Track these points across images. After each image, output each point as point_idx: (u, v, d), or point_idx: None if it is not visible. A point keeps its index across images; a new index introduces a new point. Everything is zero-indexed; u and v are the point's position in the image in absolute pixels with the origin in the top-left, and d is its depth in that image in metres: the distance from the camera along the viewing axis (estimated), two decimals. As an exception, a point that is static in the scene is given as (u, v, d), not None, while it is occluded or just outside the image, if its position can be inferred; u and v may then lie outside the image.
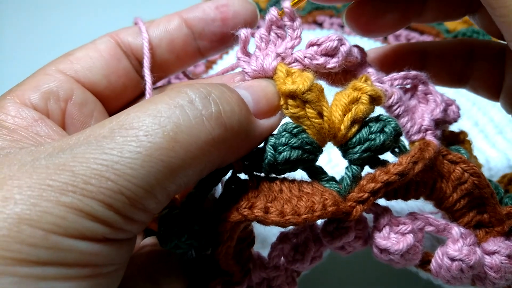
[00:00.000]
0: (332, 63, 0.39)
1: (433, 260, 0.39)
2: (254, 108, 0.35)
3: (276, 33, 0.41)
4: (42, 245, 0.26)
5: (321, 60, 0.39)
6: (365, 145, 0.37)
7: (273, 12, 0.40)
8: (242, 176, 0.40)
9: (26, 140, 0.34)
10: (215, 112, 0.31)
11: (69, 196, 0.26)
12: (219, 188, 0.41)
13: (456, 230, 0.38)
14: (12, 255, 0.25)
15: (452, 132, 0.46)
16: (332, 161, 0.66)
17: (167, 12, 0.43)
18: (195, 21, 0.43)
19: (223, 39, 0.43)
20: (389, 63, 0.45)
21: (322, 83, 0.41)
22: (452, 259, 0.37)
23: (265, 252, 0.42)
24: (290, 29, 0.40)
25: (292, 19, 0.40)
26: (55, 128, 0.37)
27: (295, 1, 0.40)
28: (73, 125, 0.39)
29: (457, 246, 0.38)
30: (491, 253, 0.39)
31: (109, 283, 0.30)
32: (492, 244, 0.39)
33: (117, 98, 0.43)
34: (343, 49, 0.39)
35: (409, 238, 0.38)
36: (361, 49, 0.43)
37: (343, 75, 0.42)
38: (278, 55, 0.39)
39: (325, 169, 0.40)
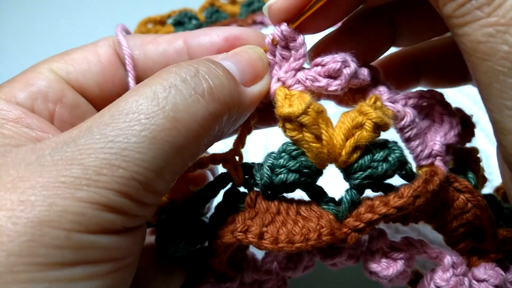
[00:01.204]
0: (334, 85, 0.37)
1: (420, 282, 0.41)
2: (240, 77, 0.36)
3: (281, 54, 0.38)
4: (66, 245, 0.26)
5: (323, 82, 0.37)
6: (367, 172, 0.36)
7: (269, 38, 0.38)
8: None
9: (18, 137, 0.33)
10: (207, 88, 0.32)
11: (84, 190, 0.26)
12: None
13: (448, 259, 0.39)
14: (39, 260, 0.25)
15: (463, 148, 0.44)
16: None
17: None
18: (198, 50, 0.39)
19: None
20: (386, 72, 0.42)
21: (330, 102, 0.39)
22: None
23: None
24: (293, 49, 0.38)
25: (294, 39, 0.37)
26: (45, 121, 0.36)
27: (295, 23, 0.37)
28: (64, 127, 0.37)
29: (446, 275, 0.38)
30: (480, 281, 0.40)
31: (128, 275, 0.31)
32: (483, 271, 0.40)
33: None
34: (346, 71, 0.36)
35: (400, 264, 0.39)
36: (373, 68, 0.39)
37: (352, 94, 0.39)
38: (278, 79, 0.38)
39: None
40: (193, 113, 0.30)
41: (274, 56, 0.38)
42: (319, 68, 0.37)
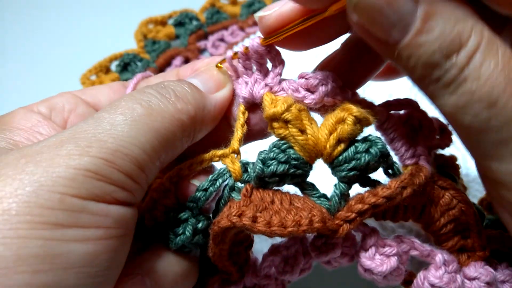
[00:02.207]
0: (309, 99, 0.41)
1: (414, 282, 0.41)
2: (204, 87, 0.42)
3: (258, 62, 0.43)
4: (59, 207, 0.28)
5: (301, 94, 0.41)
6: (351, 164, 0.39)
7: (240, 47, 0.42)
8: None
9: (27, 142, 0.38)
10: (173, 93, 0.38)
11: (76, 159, 0.30)
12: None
13: (439, 257, 0.40)
14: (35, 219, 0.27)
15: (442, 155, 0.47)
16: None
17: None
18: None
19: None
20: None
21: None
22: (432, 285, 0.39)
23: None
24: (271, 59, 0.43)
25: (268, 53, 0.42)
26: (57, 129, 0.41)
27: (267, 40, 0.41)
28: None
29: (438, 273, 0.39)
30: (471, 279, 0.40)
31: (120, 247, 0.33)
32: (473, 269, 0.41)
33: None
34: (321, 89, 0.41)
35: (393, 260, 0.39)
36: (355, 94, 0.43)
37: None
38: (266, 85, 0.42)
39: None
40: (165, 106, 0.37)
41: (248, 61, 0.43)
42: (302, 80, 0.41)
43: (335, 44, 0.45)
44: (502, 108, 0.30)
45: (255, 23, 1.00)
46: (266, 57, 0.43)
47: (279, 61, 0.43)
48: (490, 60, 0.30)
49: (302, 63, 0.55)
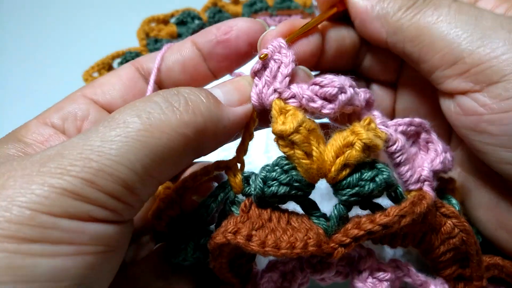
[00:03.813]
0: (328, 109, 0.39)
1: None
2: (225, 98, 0.40)
3: (274, 60, 0.41)
4: (28, 223, 0.29)
5: (318, 103, 0.39)
6: (354, 190, 0.38)
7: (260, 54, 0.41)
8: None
9: None
10: (183, 101, 0.36)
11: (55, 177, 0.30)
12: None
13: None
14: (2, 233, 0.28)
15: (442, 178, 0.45)
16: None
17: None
18: (202, 44, 0.45)
19: (229, 60, 0.45)
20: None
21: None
22: None
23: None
24: (284, 57, 0.41)
25: (283, 49, 0.41)
26: None
27: (289, 37, 0.41)
28: None
29: None
30: (464, 309, 0.40)
31: (98, 263, 0.32)
32: (468, 300, 0.41)
33: None
34: (341, 97, 0.39)
35: (385, 285, 0.40)
36: (369, 95, 0.42)
37: (348, 114, 0.42)
38: (275, 90, 0.40)
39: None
40: (167, 119, 0.34)
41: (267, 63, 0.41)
42: (316, 87, 0.39)
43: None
44: None
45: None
46: (276, 57, 0.41)
47: (288, 62, 0.40)
48: None
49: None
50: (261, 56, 0.41)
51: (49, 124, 0.41)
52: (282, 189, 0.38)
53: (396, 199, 0.41)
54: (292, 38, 0.42)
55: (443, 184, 0.45)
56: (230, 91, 0.41)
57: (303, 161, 0.38)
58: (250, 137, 0.42)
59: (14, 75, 0.90)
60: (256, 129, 0.43)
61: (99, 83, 0.46)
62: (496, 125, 0.38)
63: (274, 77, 0.41)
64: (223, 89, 0.41)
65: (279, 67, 0.41)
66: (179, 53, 0.46)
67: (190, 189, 0.43)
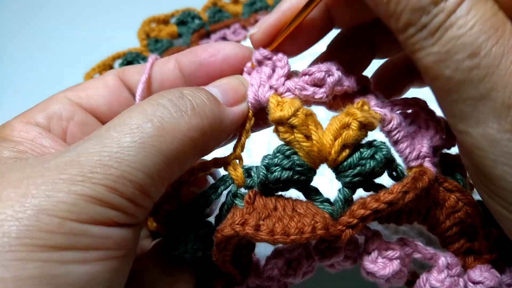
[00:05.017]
0: (320, 93, 0.40)
1: (417, 283, 0.41)
2: (223, 98, 0.41)
3: (266, 65, 0.43)
4: (58, 231, 0.29)
5: (310, 90, 0.41)
6: (356, 170, 0.38)
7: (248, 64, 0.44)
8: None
9: (32, 152, 0.38)
10: (190, 105, 0.37)
11: (79, 185, 0.30)
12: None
13: (442, 260, 0.39)
14: (34, 242, 0.28)
15: (449, 154, 0.46)
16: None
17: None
18: (186, 65, 0.45)
19: (209, 82, 0.45)
20: (382, 79, 0.48)
21: (322, 109, 0.42)
22: None
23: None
24: (277, 61, 0.43)
25: (273, 55, 0.43)
26: (58, 140, 0.41)
27: (273, 45, 0.43)
28: (75, 142, 0.42)
29: (440, 276, 0.39)
30: (475, 283, 0.40)
31: (120, 267, 0.33)
32: (478, 273, 0.40)
33: None
34: (329, 80, 0.40)
35: (396, 264, 0.39)
36: (364, 78, 0.43)
37: (342, 100, 0.43)
38: (271, 87, 0.42)
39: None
40: (177, 124, 0.35)
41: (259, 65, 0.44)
42: (306, 77, 0.41)
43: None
44: (484, 57, 0.31)
45: (256, 22, 0.98)
46: (274, 59, 0.43)
47: (283, 63, 0.43)
48: (478, 8, 0.31)
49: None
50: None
51: (33, 123, 0.41)
52: (285, 174, 0.38)
53: (398, 178, 0.41)
54: (276, 44, 0.43)
55: (450, 160, 0.45)
56: (227, 90, 0.42)
57: (304, 143, 0.38)
58: (247, 134, 0.43)
59: (15, 76, 0.90)
60: (257, 130, 0.44)
61: (83, 86, 0.45)
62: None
63: (269, 77, 0.43)
64: (219, 88, 0.42)
65: (273, 69, 0.43)
66: (160, 71, 0.45)
67: (186, 183, 0.42)
